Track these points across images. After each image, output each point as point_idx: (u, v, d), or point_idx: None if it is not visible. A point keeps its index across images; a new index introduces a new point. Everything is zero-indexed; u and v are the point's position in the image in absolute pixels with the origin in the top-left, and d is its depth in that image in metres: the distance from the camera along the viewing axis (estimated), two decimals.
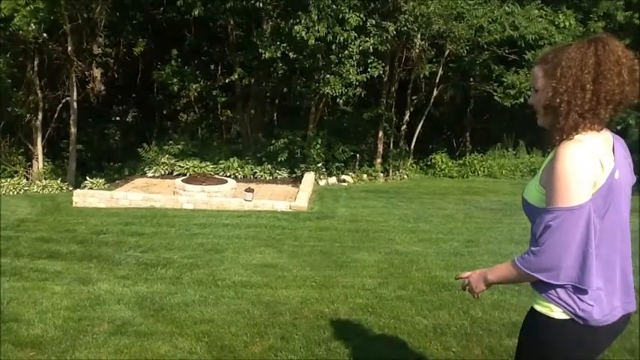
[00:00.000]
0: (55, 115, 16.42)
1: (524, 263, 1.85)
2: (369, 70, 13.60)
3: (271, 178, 13.81)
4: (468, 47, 14.83)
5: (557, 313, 1.85)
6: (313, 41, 12.10)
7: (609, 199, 1.81)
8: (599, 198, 1.78)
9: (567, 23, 15.32)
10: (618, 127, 16.72)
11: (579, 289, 1.80)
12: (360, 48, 12.93)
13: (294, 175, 14.00)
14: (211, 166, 13.94)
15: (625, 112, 16.52)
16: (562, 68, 1.83)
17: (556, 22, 15.32)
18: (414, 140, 16.61)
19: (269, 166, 14.09)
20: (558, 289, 1.83)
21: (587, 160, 1.76)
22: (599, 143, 1.82)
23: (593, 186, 1.76)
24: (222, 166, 13.98)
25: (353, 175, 15.29)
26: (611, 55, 1.80)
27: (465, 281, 2.17)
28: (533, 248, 1.82)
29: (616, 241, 1.88)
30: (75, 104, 15.60)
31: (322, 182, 14.10)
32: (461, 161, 16.98)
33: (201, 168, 13.77)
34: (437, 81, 15.99)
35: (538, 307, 1.91)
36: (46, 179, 14.13)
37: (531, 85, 1.98)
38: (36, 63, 15.34)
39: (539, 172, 1.91)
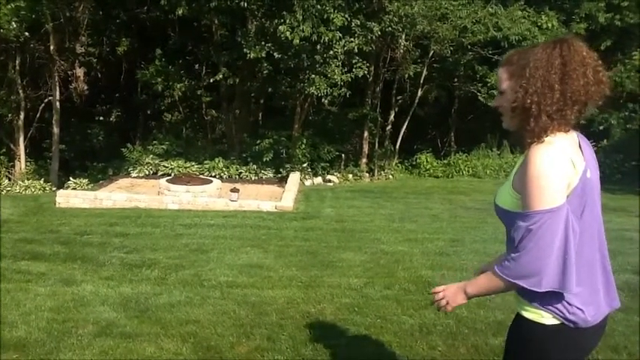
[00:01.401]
0: (38, 115, 16.26)
1: (505, 270, 1.80)
2: (353, 70, 13.63)
3: (257, 178, 13.78)
4: (452, 48, 14.92)
5: (548, 319, 1.83)
6: (298, 41, 12.09)
7: (584, 198, 1.81)
8: (575, 198, 1.78)
9: (550, 24, 15.47)
10: (601, 127, 16.96)
11: (567, 293, 1.79)
12: (345, 48, 12.95)
13: (279, 175, 13.98)
14: (196, 166, 13.87)
15: (607, 113, 16.74)
16: (530, 69, 1.82)
17: (539, 24, 15.46)
18: (399, 140, 16.67)
19: (254, 166, 14.05)
20: (546, 295, 1.79)
21: (559, 161, 1.75)
22: (569, 144, 1.82)
23: (567, 187, 1.76)
24: (207, 166, 13.92)
25: (338, 175, 15.31)
26: (576, 55, 1.80)
27: (437, 296, 2.03)
28: (513, 254, 1.78)
29: (595, 239, 1.88)
30: (57, 104, 15.45)
31: (308, 182, 14.10)
32: (446, 161, 17.08)
33: (186, 168, 13.70)
34: (421, 81, 16.06)
35: (527, 314, 1.88)
36: (28, 179, 13.96)
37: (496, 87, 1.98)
38: (18, 62, 15.17)
39: (511, 177, 1.89)
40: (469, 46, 15.06)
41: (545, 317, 1.84)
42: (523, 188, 1.77)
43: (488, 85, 15.29)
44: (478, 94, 15.51)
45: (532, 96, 1.81)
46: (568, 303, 1.80)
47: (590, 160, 1.88)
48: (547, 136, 1.80)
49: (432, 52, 15.22)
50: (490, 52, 15.45)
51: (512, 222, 1.81)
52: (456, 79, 17.09)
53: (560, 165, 1.75)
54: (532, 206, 1.73)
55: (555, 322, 1.83)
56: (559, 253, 1.72)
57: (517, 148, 16.97)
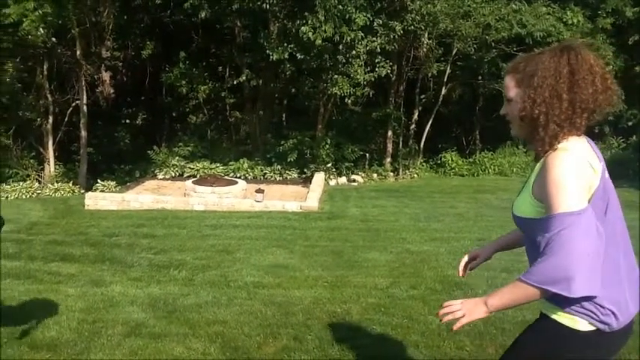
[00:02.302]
0: (66, 119, 16.53)
1: (532, 277, 1.70)
2: (376, 69, 13.60)
3: (281, 178, 13.83)
4: (475, 45, 14.81)
5: (583, 325, 1.78)
6: (320, 42, 12.11)
7: (605, 199, 1.79)
8: (598, 200, 1.76)
9: (575, 20, 15.27)
10: (629, 123, 16.67)
11: (596, 297, 1.74)
12: (368, 48, 12.94)
13: (304, 175, 14.01)
14: (221, 168, 13.98)
15: (636, 109, 16.44)
16: (538, 78, 1.79)
17: (564, 19, 15.27)
18: (424, 139, 16.59)
19: (279, 166, 14.11)
20: (577, 299, 1.71)
21: (578, 165, 1.73)
22: (583, 147, 1.80)
23: (589, 189, 1.74)
24: (232, 167, 14.02)
25: (363, 175, 15.29)
26: (584, 63, 1.77)
27: (453, 307, 1.85)
28: (539, 259, 1.70)
29: (618, 240, 1.85)
30: (85, 107, 15.69)
31: (332, 182, 14.11)
32: (471, 159, 16.94)
33: (211, 169, 13.81)
34: (445, 79, 15.97)
35: (560, 319, 1.82)
36: (57, 182, 14.23)
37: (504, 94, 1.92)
38: (45, 67, 15.46)
39: (529, 187, 1.85)
40: (493, 44, 14.93)
41: (579, 323, 1.78)
42: (545, 195, 1.74)
43: None
44: (503, 91, 15.35)
45: (540, 106, 1.78)
46: (600, 306, 1.76)
47: (603, 161, 1.87)
48: (559, 142, 1.78)
49: (455, 50, 15.12)
50: (514, 49, 15.28)
51: (537, 229, 1.77)
52: (480, 77, 16.96)
53: (580, 169, 1.73)
54: (557, 210, 1.69)
55: (590, 327, 1.78)
56: (587, 256, 1.66)
57: None
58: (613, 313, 1.78)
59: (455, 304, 1.86)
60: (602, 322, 1.78)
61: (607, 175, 1.84)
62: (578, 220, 1.67)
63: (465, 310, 1.83)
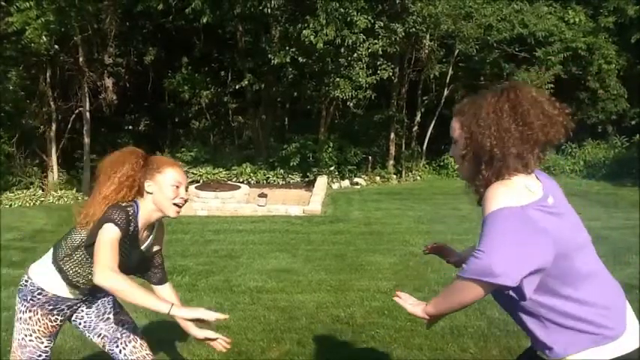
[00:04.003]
0: (69, 126, 16.55)
1: (461, 272, 1.71)
2: (378, 72, 13.60)
3: (284, 182, 13.83)
4: (477, 46, 14.79)
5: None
6: (322, 45, 12.12)
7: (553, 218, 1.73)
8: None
9: (577, 19, 15.25)
10: (632, 122, 16.62)
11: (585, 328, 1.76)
12: (369, 50, 12.94)
13: (306, 179, 14.01)
14: (224, 173, 13.99)
15: (638, 107, 16.38)
16: (481, 117, 1.76)
17: (566, 19, 15.24)
18: (426, 141, 16.57)
19: (281, 170, 14.10)
20: (570, 335, 1.73)
21: (512, 186, 1.72)
22: (523, 178, 1.76)
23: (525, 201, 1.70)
24: (234, 172, 14.03)
25: (366, 178, 15.27)
26: (525, 97, 1.74)
27: (405, 296, 2.00)
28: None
29: (587, 254, 1.82)
30: (88, 114, 15.72)
31: (335, 185, 14.10)
32: None
33: (214, 174, 13.82)
34: (447, 81, 15.95)
35: None
36: (61, 189, 14.25)
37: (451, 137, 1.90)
38: (48, 74, 15.49)
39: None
40: (495, 44, 14.92)
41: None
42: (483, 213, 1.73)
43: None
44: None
45: (485, 142, 1.74)
46: (589, 322, 1.73)
47: (551, 188, 1.80)
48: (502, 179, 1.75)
49: (457, 51, 15.11)
50: (516, 49, 15.29)
51: None
52: (482, 78, 16.93)
53: (513, 188, 1.71)
54: (487, 212, 1.70)
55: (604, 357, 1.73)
56: (509, 245, 1.62)
57: (546, 147, 16.74)
58: (603, 325, 1.74)
59: (408, 297, 2.00)
60: (604, 335, 1.73)
61: (555, 202, 1.76)
62: (502, 213, 1.66)
63: (413, 302, 1.97)
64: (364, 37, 12.63)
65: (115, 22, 15.91)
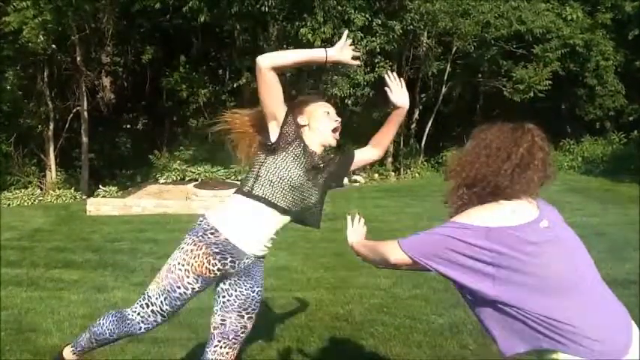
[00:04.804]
0: (67, 125, 16.54)
1: (405, 243, 1.91)
2: (376, 69, 13.60)
3: None
4: (475, 43, 14.79)
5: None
6: (319, 43, 12.12)
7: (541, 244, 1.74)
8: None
9: (575, 16, 15.26)
10: (630, 118, 16.65)
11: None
12: (367, 48, 12.93)
13: None
14: (222, 171, 13.97)
15: (637, 104, 16.41)
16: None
17: (563, 15, 15.25)
18: (425, 138, 16.57)
19: None
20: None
21: (490, 205, 1.81)
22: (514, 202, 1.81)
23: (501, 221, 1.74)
24: (233, 170, 14.01)
25: (364, 175, 15.28)
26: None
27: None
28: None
29: (584, 273, 1.82)
30: (85, 113, 15.71)
31: None
32: None
33: (212, 173, 13.81)
34: (445, 78, 15.95)
35: None
36: (59, 189, 14.24)
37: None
38: (46, 74, 15.47)
39: None
40: (492, 41, 14.92)
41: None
42: None
43: (513, 79, 15.11)
44: (503, 89, 15.34)
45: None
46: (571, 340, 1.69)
47: (549, 213, 1.83)
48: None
49: (454, 48, 15.11)
50: (514, 46, 15.28)
51: None
52: (480, 75, 16.94)
53: (491, 207, 1.79)
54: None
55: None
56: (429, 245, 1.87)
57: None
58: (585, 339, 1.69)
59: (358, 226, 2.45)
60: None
61: (551, 225, 1.78)
62: (451, 226, 1.85)
63: (355, 231, 2.43)
64: (362, 34, 12.63)
65: (113, 21, 15.89)
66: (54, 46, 14.49)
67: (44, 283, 5.66)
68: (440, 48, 15.37)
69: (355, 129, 16.57)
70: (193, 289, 2.51)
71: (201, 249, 2.47)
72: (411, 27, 13.66)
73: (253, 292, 2.65)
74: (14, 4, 12.71)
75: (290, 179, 2.48)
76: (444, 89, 16.07)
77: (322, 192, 2.65)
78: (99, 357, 3.85)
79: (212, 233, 2.49)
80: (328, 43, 12.46)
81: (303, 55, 2.54)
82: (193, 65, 16.56)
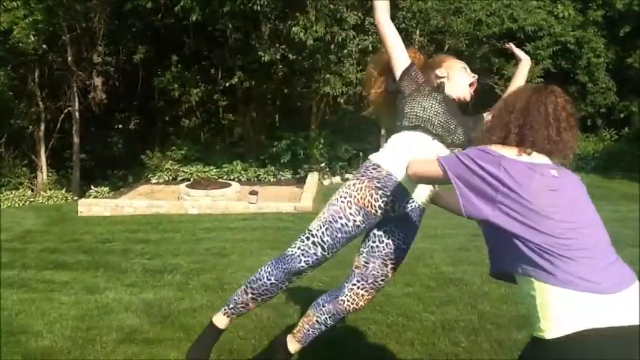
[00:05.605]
0: (58, 126, 16.47)
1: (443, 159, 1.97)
2: None
3: (275, 179, 13.81)
4: (467, 41, 14.81)
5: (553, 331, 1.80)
6: (312, 42, 12.10)
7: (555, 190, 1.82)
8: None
9: (566, 13, 15.31)
10: (621, 115, 16.72)
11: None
12: (359, 46, 12.92)
13: (297, 175, 13.99)
14: (215, 171, 13.95)
15: (628, 100, 16.47)
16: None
17: (555, 13, 15.29)
18: None
19: (272, 167, 14.08)
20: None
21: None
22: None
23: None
24: (225, 169, 13.98)
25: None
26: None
27: None
28: None
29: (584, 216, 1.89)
30: (77, 114, 15.64)
31: (326, 182, 14.09)
32: None
33: (204, 172, 13.78)
34: None
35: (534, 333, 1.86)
36: (50, 190, 14.17)
37: None
38: (37, 74, 15.40)
39: None
40: (484, 39, 14.94)
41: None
42: None
43: (505, 77, 15.13)
44: (495, 86, 15.34)
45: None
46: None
47: (568, 175, 1.89)
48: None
49: (447, 46, 15.11)
50: (506, 44, 15.28)
51: None
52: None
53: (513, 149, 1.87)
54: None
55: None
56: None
57: None
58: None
59: None
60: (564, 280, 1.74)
61: (561, 177, 1.84)
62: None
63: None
64: (354, 33, 12.62)
65: (104, 20, 15.83)
66: (45, 46, 14.43)
67: (35, 285, 5.62)
68: (432, 46, 15.36)
69: (347, 127, 16.61)
70: (355, 221, 2.52)
71: (363, 182, 2.51)
72: (404, 25, 13.65)
73: (404, 245, 2.67)
74: (4, 4, 12.65)
75: (437, 114, 2.57)
76: None
77: (465, 138, 2.68)
78: (89, 358, 3.84)
79: (374, 168, 2.53)
80: (320, 41, 12.46)
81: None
82: (185, 64, 16.50)
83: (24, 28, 12.67)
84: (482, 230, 1.97)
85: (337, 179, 14.57)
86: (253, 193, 10.43)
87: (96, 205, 10.45)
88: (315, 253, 2.59)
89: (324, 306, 2.89)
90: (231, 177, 13.59)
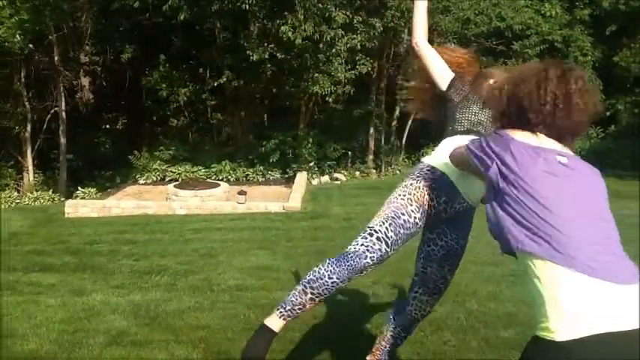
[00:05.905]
0: (45, 126, 16.34)
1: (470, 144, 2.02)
2: (357, 67, 13.60)
3: (264, 179, 13.79)
4: (455, 40, 14.84)
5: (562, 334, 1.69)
6: (300, 41, 12.09)
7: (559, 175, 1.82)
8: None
9: (553, 12, 15.41)
10: (607, 113, 16.82)
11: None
12: (348, 45, 12.93)
13: (286, 175, 13.97)
14: (203, 171, 13.89)
15: (614, 98, 16.59)
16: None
17: (542, 12, 15.38)
18: (405, 135, 16.61)
19: (261, 167, 14.06)
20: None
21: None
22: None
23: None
24: (214, 169, 13.93)
25: (345, 173, 15.29)
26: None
27: None
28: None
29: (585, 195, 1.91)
30: (64, 114, 15.51)
31: (315, 181, 14.08)
32: None
33: (193, 173, 13.72)
34: None
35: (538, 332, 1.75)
36: (37, 191, 14.02)
37: None
38: (23, 74, 15.25)
39: None
40: (472, 38, 15.00)
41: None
42: None
43: None
44: None
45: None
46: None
47: (579, 163, 1.93)
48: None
49: (435, 45, 15.15)
50: (494, 42, 15.38)
51: None
52: None
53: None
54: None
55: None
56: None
57: None
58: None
59: None
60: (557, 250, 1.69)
61: (570, 163, 1.86)
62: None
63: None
64: (343, 32, 12.62)
65: (91, 20, 15.72)
66: (31, 45, 14.26)
67: (21, 288, 5.56)
68: None
69: (336, 126, 16.62)
70: (415, 218, 2.60)
71: (420, 182, 2.64)
72: (392, 24, 13.67)
73: (457, 245, 2.77)
74: None
75: (488, 117, 2.71)
76: None
77: None
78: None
79: (429, 170, 2.66)
80: (309, 41, 12.44)
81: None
82: (173, 64, 16.42)
83: (10, 28, 12.54)
84: (487, 211, 2.01)
85: (326, 179, 14.57)
86: (242, 193, 10.40)
87: (83, 206, 10.36)
88: (379, 249, 2.60)
89: (395, 320, 2.99)
90: (220, 177, 13.54)
